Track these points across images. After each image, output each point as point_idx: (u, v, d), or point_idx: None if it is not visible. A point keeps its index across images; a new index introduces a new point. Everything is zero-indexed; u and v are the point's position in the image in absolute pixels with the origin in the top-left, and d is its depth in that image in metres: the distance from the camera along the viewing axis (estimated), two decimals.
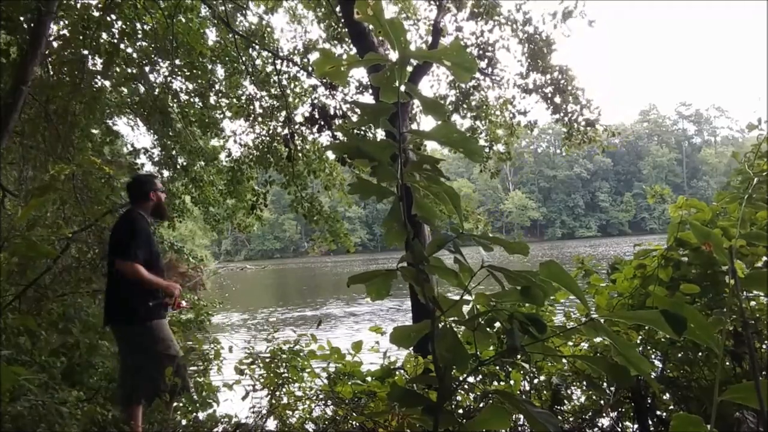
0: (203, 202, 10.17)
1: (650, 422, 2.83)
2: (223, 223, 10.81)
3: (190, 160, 9.68)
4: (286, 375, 3.34)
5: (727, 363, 2.49)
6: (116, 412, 3.49)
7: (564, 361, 2.85)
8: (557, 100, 8.98)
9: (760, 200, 2.29)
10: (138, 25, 7.58)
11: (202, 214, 10.72)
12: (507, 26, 8.83)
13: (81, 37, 6.02)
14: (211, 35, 9.38)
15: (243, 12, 9.17)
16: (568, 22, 8.70)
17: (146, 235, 3.66)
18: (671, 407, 2.86)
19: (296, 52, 9.29)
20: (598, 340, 2.69)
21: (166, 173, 9.95)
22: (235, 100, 9.68)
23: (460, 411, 2.81)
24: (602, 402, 2.90)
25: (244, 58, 8.87)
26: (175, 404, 3.86)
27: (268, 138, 9.57)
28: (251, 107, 9.44)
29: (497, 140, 9.73)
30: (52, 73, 6.10)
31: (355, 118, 8.42)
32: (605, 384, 2.82)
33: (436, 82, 9.87)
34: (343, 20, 8.15)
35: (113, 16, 6.67)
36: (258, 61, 9.25)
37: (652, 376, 2.69)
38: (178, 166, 9.73)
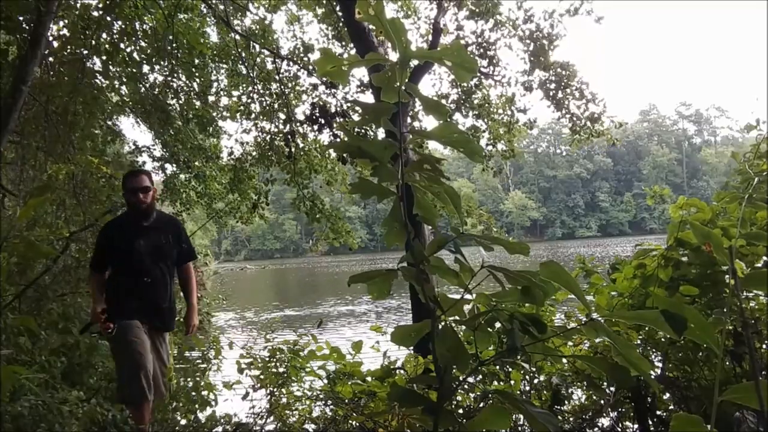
0: (207, 195, 10.16)
1: (650, 422, 2.83)
2: (227, 217, 10.78)
3: (192, 157, 9.68)
4: (286, 375, 3.34)
5: (727, 363, 2.49)
6: (116, 411, 3.48)
7: (564, 361, 2.85)
8: (559, 95, 8.96)
9: (760, 200, 2.29)
10: (138, 25, 7.58)
11: (205, 209, 10.71)
12: (508, 25, 8.83)
13: (81, 37, 6.02)
14: (212, 35, 9.39)
15: (243, 12, 9.17)
16: (567, 20, 8.73)
17: (101, 241, 3.68)
18: (671, 407, 2.86)
19: (296, 51, 9.29)
20: (598, 340, 2.69)
21: (169, 169, 9.97)
22: (235, 99, 9.69)
23: (460, 411, 2.81)
24: (602, 402, 2.90)
25: (244, 56, 8.87)
26: (174, 404, 3.86)
27: (269, 136, 9.58)
28: (252, 106, 9.45)
29: (499, 138, 9.71)
30: (52, 73, 6.10)
31: (355, 117, 8.43)
32: (605, 384, 2.82)
33: (438, 81, 9.86)
34: (342, 20, 8.16)
35: (113, 16, 6.67)
36: (258, 60, 9.26)
37: (652, 376, 2.69)
38: (181, 163, 9.73)
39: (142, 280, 3.57)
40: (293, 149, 8.80)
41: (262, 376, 3.40)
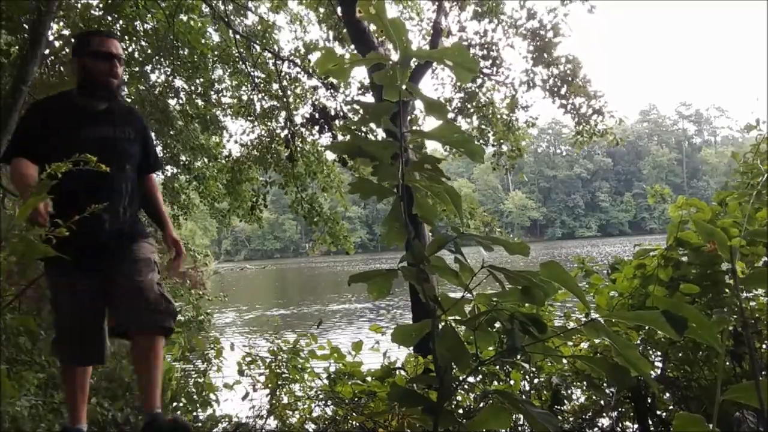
0: (209, 197, 10.15)
1: (650, 422, 2.83)
2: (230, 217, 10.76)
3: (192, 157, 9.67)
4: (287, 375, 3.34)
5: (727, 363, 2.49)
6: (116, 411, 3.48)
7: (564, 361, 2.85)
8: (563, 91, 8.91)
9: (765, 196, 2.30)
10: (139, 25, 7.59)
11: (208, 208, 10.69)
12: (511, 29, 8.84)
13: None
14: (214, 35, 9.40)
15: (243, 12, 9.18)
16: (568, 17, 8.72)
17: (31, 121, 2.51)
18: (671, 407, 2.86)
19: (297, 53, 9.30)
20: (598, 340, 2.69)
21: (169, 170, 9.97)
22: (236, 99, 9.70)
23: (460, 411, 2.81)
24: (602, 402, 2.90)
25: (244, 55, 8.88)
26: (174, 404, 3.86)
27: (268, 138, 9.58)
28: (252, 107, 9.46)
29: (505, 139, 9.69)
30: (52, 73, 6.10)
31: (355, 119, 8.43)
32: (605, 384, 2.82)
33: (440, 86, 9.85)
34: (343, 21, 8.16)
35: (114, 16, 6.67)
36: (258, 61, 9.27)
37: (652, 376, 2.69)
38: (181, 164, 9.73)
39: (86, 188, 2.35)
40: (293, 151, 8.81)
41: (262, 377, 3.40)
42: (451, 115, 9.50)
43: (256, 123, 9.63)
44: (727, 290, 2.52)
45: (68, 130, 2.42)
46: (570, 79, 8.78)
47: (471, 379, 2.90)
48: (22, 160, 2.39)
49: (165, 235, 2.82)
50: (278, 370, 3.35)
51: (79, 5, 6.49)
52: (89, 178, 2.25)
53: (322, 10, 9.55)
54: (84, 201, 2.28)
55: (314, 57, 8.96)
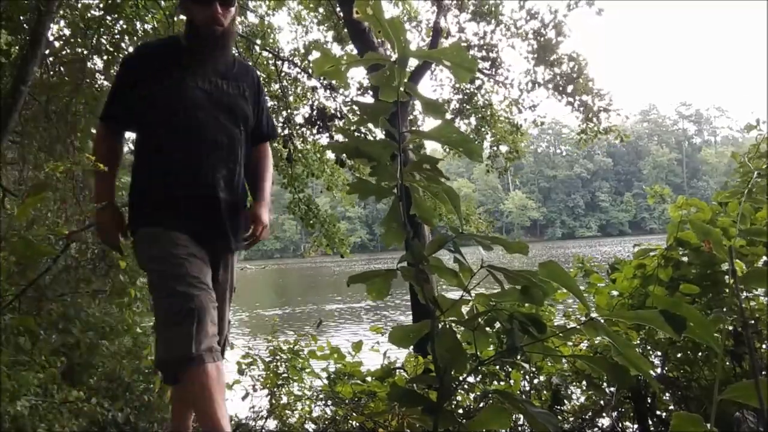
0: None
1: (650, 422, 2.83)
2: None
3: None
4: (286, 375, 3.34)
5: (727, 363, 2.49)
6: (116, 411, 3.48)
7: (564, 361, 2.85)
8: (569, 89, 8.90)
9: (759, 193, 2.29)
10: (138, 25, 7.58)
11: None
12: (511, 26, 8.84)
13: (80, 38, 6.02)
14: None
15: (243, 12, 9.18)
16: (569, 20, 8.76)
17: (131, 73, 2.17)
18: (671, 407, 2.86)
19: (297, 53, 9.30)
20: (598, 339, 2.69)
21: None
22: None
23: (460, 411, 2.81)
24: (602, 402, 2.90)
25: (244, 56, 8.87)
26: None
27: None
28: None
29: (504, 140, 9.69)
30: (52, 73, 6.10)
31: (354, 120, 8.44)
32: (605, 384, 2.82)
33: (439, 87, 9.87)
34: (342, 20, 8.17)
35: (114, 15, 6.67)
36: (258, 61, 9.26)
37: (652, 376, 2.69)
38: None
39: (197, 150, 2.07)
40: (292, 151, 8.80)
41: (262, 377, 3.40)
42: (449, 117, 9.50)
43: None
44: (727, 290, 2.52)
45: (173, 78, 2.10)
46: (575, 76, 8.77)
47: (471, 379, 2.90)
48: (109, 131, 2.21)
49: (255, 206, 2.29)
50: (278, 370, 3.35)
51: (79, 5, 6.48)
52: (195, 133, 2.07)
53: (321, 10, 9.55)
54: (196, 162, 2.05)
55: (314, 57, 8.96)
